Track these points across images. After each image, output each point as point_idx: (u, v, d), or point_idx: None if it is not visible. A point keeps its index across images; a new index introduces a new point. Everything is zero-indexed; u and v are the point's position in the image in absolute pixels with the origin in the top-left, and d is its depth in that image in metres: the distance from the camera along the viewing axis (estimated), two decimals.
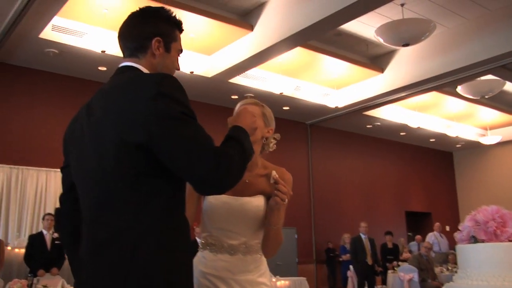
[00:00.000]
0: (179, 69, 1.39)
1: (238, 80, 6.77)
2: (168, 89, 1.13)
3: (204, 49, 6.21)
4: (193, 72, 5.78)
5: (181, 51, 1.39)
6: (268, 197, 1.60)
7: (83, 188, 1.25)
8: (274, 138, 1.75)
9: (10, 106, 5.95)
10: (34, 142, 5.97)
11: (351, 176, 9.50)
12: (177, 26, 1.37)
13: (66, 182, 1.39)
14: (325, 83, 7.46)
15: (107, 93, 1.23)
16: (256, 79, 6.88)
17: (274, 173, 1.56)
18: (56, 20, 5.24)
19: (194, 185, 1.13)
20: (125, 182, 1.13)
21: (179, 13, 5.09)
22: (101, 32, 5.19)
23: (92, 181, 1.20)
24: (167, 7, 1.38)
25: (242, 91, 7.10)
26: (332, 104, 7.30)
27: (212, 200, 1.56)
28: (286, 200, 1.53)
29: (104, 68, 6.12)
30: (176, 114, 1.11)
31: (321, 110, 8.05)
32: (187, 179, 1.13)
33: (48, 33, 5.34)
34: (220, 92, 7.03)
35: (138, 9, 1.36)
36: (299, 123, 8.91)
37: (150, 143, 1.10)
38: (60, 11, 4.86)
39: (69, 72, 6.32)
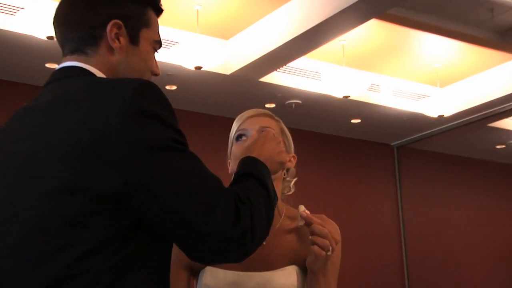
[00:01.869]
0: (157, 73, 1.48)
1: (274, 78, 6.79)
2: (149, 104, 1.19)
3: (218, 30, 6.24)
4: (200, 67, 5.78)
5: (159, 43, 1.47)
6: (303, 266, 1.67)
7: None
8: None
9: None
10: None
11: (470, 226, 9.47)
12: (151, 3, 1.45)
13: None
14: (421, 77, 7.49)
15: (41, 112, 1.26)
16: (305, 76, 6.92)
17: (301, 208, 1.66)
18: None
19: (196, 253, 1.21)
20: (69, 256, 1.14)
21: None
22: (47, 7, 5.18)
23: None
24: None
25: (283, 96, 7.09)
26: (433, 112, 7.19)
27: (211, 280, 1.65)
28: (331, 249, 1.59)
29: (55, 65, 5.91)
30: (165, 143, 1.18)
31: (416, 122, 8.04)
32: (185, 242, 1.20)
33: None
34: (245, 99, 7.01)
35: None
36: (380, 145, 9.01)
37: (123, 191, 1.13)
38: None
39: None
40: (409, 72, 7.34)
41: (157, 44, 1.47)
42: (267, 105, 7.22)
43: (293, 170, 1.85)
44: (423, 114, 7.39)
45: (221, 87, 6.77)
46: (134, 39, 1.39)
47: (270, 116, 1.84)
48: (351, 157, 8.50)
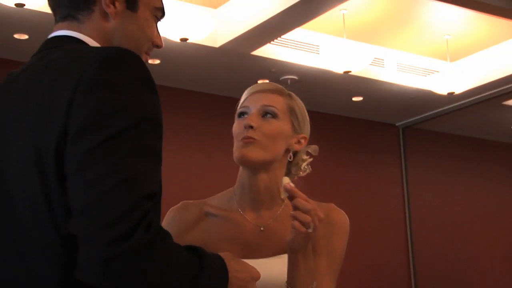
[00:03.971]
0: (159, 45, 1.50)
1: (268, 51, 6.79)
2: (112, 75, 1.20)
3: None
4: (186, 39, 5.81)
5: (161, 10, 1.48)
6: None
7: None
8: (308, 153, 1.88)
9: None
10: None
11: (481, 218, 9.44)
12: None
13: None
14: (428, 51, 7.45)
15: (21, 82, 1.31)
16: (302, 49, 6.92)
17: (286, 180, 1.62)
18: None
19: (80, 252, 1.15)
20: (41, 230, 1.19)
21: None
22: None
23: None
24: None
25: (277, 71, 7.11)
26: (443, 90, 7.19)
27: None
28: (311, 226, 1.55)
29: (25, 36, 6.15)
30: (112, 120, 1.17)
31: (424, 100, 8.05)
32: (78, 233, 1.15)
33: None
34: (236, 74, 7.09)
35: None
36: (384, 126, 9.03)
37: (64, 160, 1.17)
38: None
39: None
40: (415, 45, 7.30)
41: (159, 11, 1.47)
42: (259, 81, 6.96)
43: (315, 148, 1.87)
44: (431, 91, 7.37)
45: (209, 61, 6.78)
46: (131, 4, 1.40)
47: (278, 92, 1.82)
48: (352, 139, 8.50)
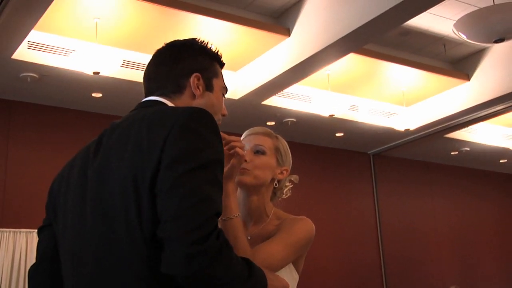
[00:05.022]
0: (225, 114, 1.50)
1: (274, 101, 6.77)
2: (196, 125, 1.20)
3: (228, 64, 5.81)
4: None
5: (225, 89, 1.51)
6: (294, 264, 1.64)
7: (70, 261, 1.25)
8: (291, 181, 1.80)
9: None
10: (7, 199, 5.87)
11: (434, 222, 9.26)
12: (217, 59, 1.48)
13: (43, 249, 1.38)
14: (390, 99, 7.41)
15: (122, 128, 1.28)
16: (298, 99, 6.89)
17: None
18: (33, 35, 5.22)
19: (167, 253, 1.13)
20: (139, 256, 1.16)
21: (194, 19, 5.20)
22: (92, 48, 5.15)
23: (90, 251, 1.21)
24: (199, 39, 1.48)
25: (281, 115, 7.07)
26: (401, 127, 7.16)
27: None
28: (240, 151, 1.52)
29: (99, 95, 6.09)
30: (196, 157, 1.17)
31: (387, 135, 7.97)
32: (165, 241, 1.13)
33: (23, 53, 5.32)
34: (251, 118, 7.00)
35: (164, 45, 1.45)
36: (359, 154, 8.82)
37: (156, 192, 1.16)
38: (37, 23, 4.81)
39: (53, 101, 6.31)
40: (381, 95, 7.26)
41: (225, 89, 1.50)
42: (268, 123, 7.15)
43: (296, 177, 1.80)
44: (393, 128, 7.38)
45: (231, 109, 6.22)
46: (209, 87, 1.41)
47: (267, 135, 1.80)
48: (335, 164, 8.38)
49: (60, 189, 1.36)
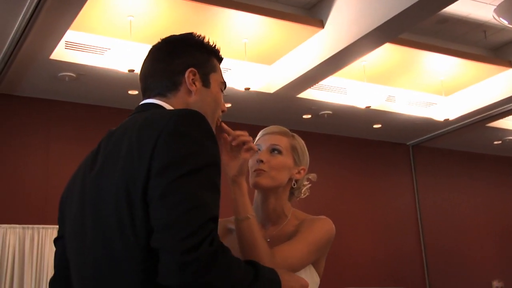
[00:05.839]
0: (225, 110, 1.45)
1: (309, 94, 6.75)
2: (186, 128, 1.18)
3: (262, 58, 6.24)
4: (249, 88, 5.78)
5: (224, 84, 1.45)
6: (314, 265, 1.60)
7: (75, 272, 1.29)
8: (309, 180, 1.76)
9: (17, 148, 6.09)
10: (50, 194, 6.00)
11: (476, 214, 9.09)
12: (214, 53, 1.44)
13: (58, 261, 1.40)
14: (428, 88, 7.34)
15: (116, 136, 1.27)
16: (334, 91, 6.86)
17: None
18: (70, 35, 5.33)
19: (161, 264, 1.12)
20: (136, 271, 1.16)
21: (226, 13, 5.25)
22: (127, 45, 5.25)
23: (89, 263, 1.22)
24: (198, 33, 1.44)
25: (316, 108, 7.06)
26: (440, 117, 7.10)
27: None
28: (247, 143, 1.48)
29: (135, 92, 6.18)
30: (187, 162, 1.14)
31: (427, 125, 7.89)
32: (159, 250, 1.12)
33: (60, 53, 5.44)
34: (286, 112, 7.05)
35: (160, 40, 1.43)
36: (398, 145, 8.74)
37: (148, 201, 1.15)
38: (73, 23, 4.91)
39: (90, 99, 6.43)
40: (418, 85, 7.20)
41: (223, 84, 1.45)
42: (304, 116, 7.17)
43: (314, 176, 1.76)
44: (432, 118, 7.31)
45: (266, 103, 6.75)
46: (206, 82, 1.38)
47: (283, 134, 1.75)
48: (373, 156, 8.30)
49: (67, 199, 1.38)
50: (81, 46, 5.48)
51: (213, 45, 1.44)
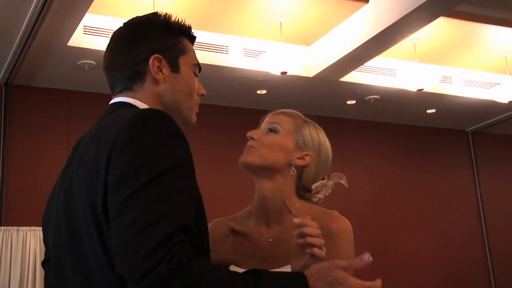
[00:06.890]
0: (203, 94, 1.45)
1: (354, 77, 6.81)
2: (140, 133, 1.17)
3: (300, 38, 6.30)
4: (285, 72, 5.81)
5: (198, 66, 1.44)
6: None
7: None
8: (338, 178, 1.71)
9: (36, 144, 6.19)
10: None
11: None
12: (183, 32, 1.42)
13: (49, 285, 1.40)
14: (490, 67, 7.29)
15: (82, 146, 1.29)
16: (381, 73, 6.93)
17: (296, 219, 1.34)
18: (88, 19, 5.37)
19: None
20: None
21: None
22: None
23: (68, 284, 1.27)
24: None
25: (362, 93, 7.11)
26: (504, 99, 7.00)
27: None
28: (324, 250, 1.31)
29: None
30: (141, 173, 1.13)
31: (488, 108, 7.88)
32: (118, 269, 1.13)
33: (79, 39, 5.49)
34: (328, 98, 7.16)
35: (121, 25, 1.42)
36: (455, 132, 8.76)
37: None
38: (91, 5, 4.95)
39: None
40: (478, 63, 7.17)
41: (197, 67, 1.44)
42: (348, 102, 7.32)
43: (342, 176, 1.70)
44: (494, 100, 7.25)
45: (306, 88, 6.84)
46: (174, 67, 1.37)
47: (288, 114, 1.71)
48: (428, 145, 8.26)
49: (48, 220, 1.39)
50: (101, 30, 5.52)
51: (181, 23, 1.41)
